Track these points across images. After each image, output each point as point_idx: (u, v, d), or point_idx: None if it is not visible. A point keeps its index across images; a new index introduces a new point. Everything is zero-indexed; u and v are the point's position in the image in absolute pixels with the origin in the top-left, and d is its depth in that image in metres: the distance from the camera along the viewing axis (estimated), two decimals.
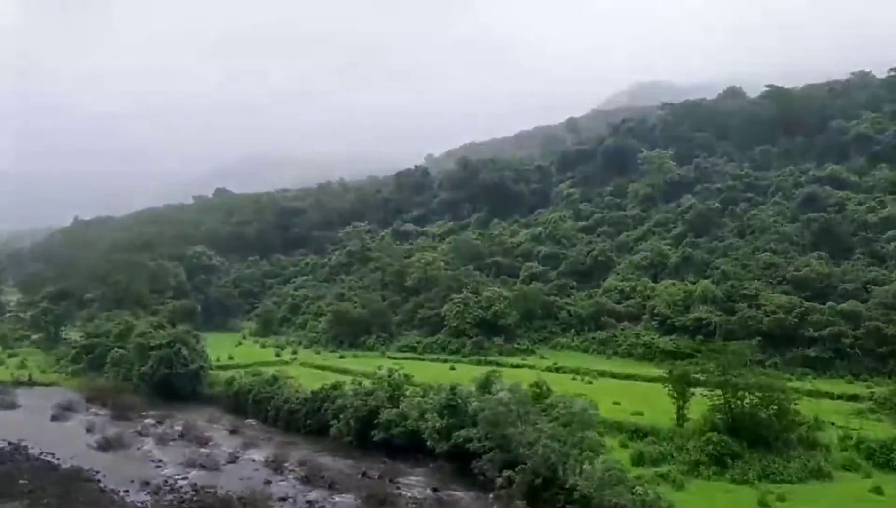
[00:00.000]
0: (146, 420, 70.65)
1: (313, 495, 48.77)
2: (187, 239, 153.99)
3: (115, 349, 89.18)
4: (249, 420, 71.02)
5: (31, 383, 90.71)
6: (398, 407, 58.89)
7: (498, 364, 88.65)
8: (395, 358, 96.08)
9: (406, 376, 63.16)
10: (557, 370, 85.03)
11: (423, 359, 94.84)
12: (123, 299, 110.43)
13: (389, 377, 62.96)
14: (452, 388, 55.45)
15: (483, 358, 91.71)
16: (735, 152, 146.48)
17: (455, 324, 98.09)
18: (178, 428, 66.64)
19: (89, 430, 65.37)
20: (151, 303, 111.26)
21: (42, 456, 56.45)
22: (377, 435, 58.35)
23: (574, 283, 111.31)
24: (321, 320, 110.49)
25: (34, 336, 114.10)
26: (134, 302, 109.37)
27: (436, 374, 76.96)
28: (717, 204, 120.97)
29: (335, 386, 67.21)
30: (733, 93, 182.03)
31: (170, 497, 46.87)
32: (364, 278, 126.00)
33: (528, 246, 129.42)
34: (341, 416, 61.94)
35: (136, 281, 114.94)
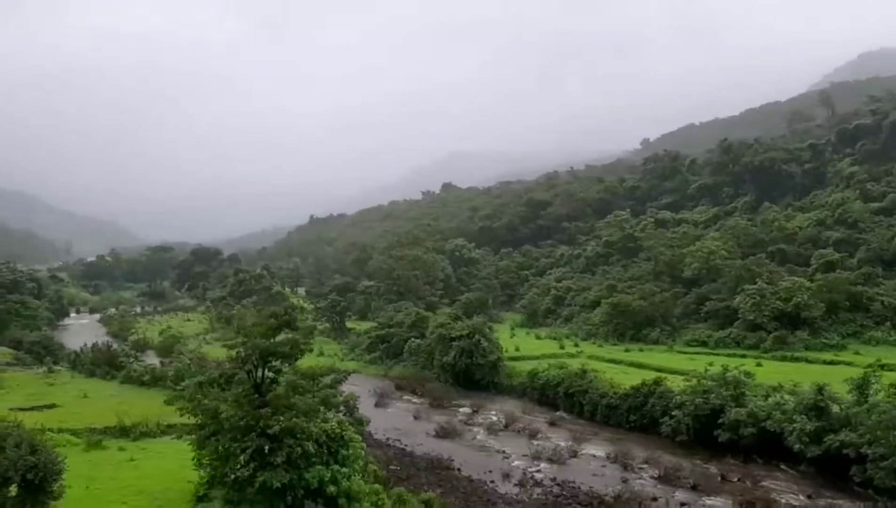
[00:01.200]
0: (461, 409, 71.61)
1: (680, 496, 45.89)
2: (443, 233, 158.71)
3: (411, 338, 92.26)
4: (560, 413, 69.69)
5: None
6: (744, 406, 54.58)
7: (807, 361, 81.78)
8: (684, 352, 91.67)
9: (747, 374, 58.40)
10: (883, 367, 76.12)
11: (717, 354, 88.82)
12: (405, 291, 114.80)
13: (725, 375, 58.53)
14: (820, 388, 50.21)
15: (789, 354, 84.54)
16: None
17: (752, 317, 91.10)
18: (496, 418, 66.78)
19: (416, 417, 67.21)
20: (426, 295, 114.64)
21: (389, 442, 58.38)
22: (723, 435, 54.44)
23: (880, 271, 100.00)
24: (595, 312, 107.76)
25: (320, 327, 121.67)
26: (413, 294, 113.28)
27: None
28: None
29: (657, 382, 64.00)
30: None
31: (537, 490, 46.02)
32: (630, 268, 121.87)
33: (811, 232, 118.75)
34: (673, 413, 58.66)
35: (415, 274, 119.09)
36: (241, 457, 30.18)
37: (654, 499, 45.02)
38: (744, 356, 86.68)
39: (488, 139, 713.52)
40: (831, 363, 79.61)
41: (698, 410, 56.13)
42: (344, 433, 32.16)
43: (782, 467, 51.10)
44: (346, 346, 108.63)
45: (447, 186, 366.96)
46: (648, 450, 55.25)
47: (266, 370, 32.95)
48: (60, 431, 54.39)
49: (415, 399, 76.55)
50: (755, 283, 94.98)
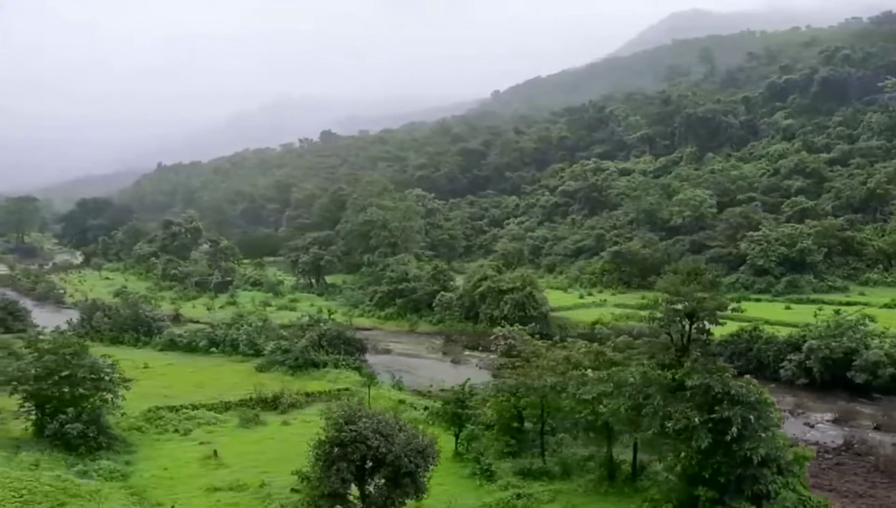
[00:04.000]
0: None
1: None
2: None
3: (438, 292, 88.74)
4: None
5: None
6: (869, 349, 56.80)
7: (823, 303, 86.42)
8: None
9: (867, 317, 60.68)
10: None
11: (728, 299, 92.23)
12: (400, 242, 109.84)
13: (838, 318, 60.58)
14: None
15: (804, 297, 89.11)
16: None
17: (761, 262, 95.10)
18: None
19: None
20: (416, 247, 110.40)
21: None
22: (858, 377, 56.35)
23: (856, 217, 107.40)
24: (593, 261, 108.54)
25: (299, 282, 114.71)
26: (410, 245, 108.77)
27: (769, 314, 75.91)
28: None
29: (756, 328, 65.35)
30: None
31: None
32: (598, 217, 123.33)
33: (768, 181, 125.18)
34: (791, 358, 60.05)
35: (409, 225, 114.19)
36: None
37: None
38: (758, 300, 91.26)
39: (316, 84, 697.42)
40: (848, 304, 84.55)
41: (833, 353, 57.60)
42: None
43: None
44: (342, 301, 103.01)
45: (327, 134, 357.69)
46: (778, 395, 56.23)
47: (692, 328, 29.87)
48: (183, 407, 47.60)
49: (483, 355, 73.56)
50: (758, 230, 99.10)
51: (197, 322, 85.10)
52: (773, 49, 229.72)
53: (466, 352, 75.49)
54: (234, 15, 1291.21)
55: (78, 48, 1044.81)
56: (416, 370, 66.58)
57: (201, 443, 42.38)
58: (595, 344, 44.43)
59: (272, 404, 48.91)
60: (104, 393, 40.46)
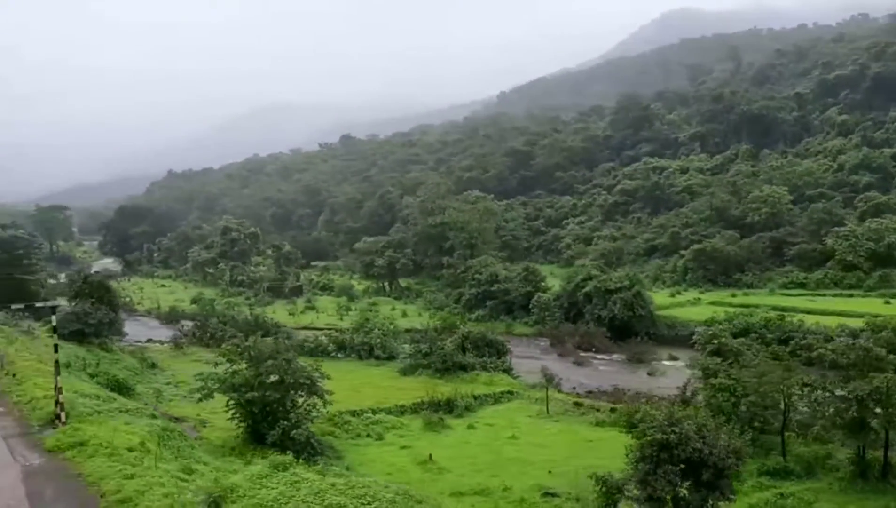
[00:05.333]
0: (663, 363, 69.71)
1: None
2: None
3: (533, 293, 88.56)
4: None
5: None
6: None
7: None
8: (788, 294, 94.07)
9: None
10: None
11: (822, 295, 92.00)
12: (479, 243, 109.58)
13: None
14: None
15: None
16: None
17: (850, 257, 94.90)
18: None
19: (651, 374, 64.77)
20: (493, 248, 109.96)
21: None
22: None
23: None
24: (671, 259, 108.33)
25: (371, 286, 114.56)
26: (489, 247, 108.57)
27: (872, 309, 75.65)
28: None
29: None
30: None
31: None
32: (661, 216, 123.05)
33: (833, 178, 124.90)
34: None
35: (487, 226, 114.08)
36: None
37: None
38: (850, 296, 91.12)
39: (302, 91, 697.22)
40: None
41: None
42: None
43: None
44: (422, 305, 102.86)
45: (346, 138, 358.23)
46: None
47: None
48: (363, 412, 47.40)
49: (602, 356, 73.47)
50: (842, 225, 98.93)
51: (315, 328, 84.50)
52: (803, 47, 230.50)
53: (581, 353, 75.21)
54: (221, 22, 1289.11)
55: (63, 53, 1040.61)
56: (535, 373, 66.18)
57: (402, 447, 42.14)
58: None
59: (446, 407, 48.62)
60: (316, 398, 40.24)
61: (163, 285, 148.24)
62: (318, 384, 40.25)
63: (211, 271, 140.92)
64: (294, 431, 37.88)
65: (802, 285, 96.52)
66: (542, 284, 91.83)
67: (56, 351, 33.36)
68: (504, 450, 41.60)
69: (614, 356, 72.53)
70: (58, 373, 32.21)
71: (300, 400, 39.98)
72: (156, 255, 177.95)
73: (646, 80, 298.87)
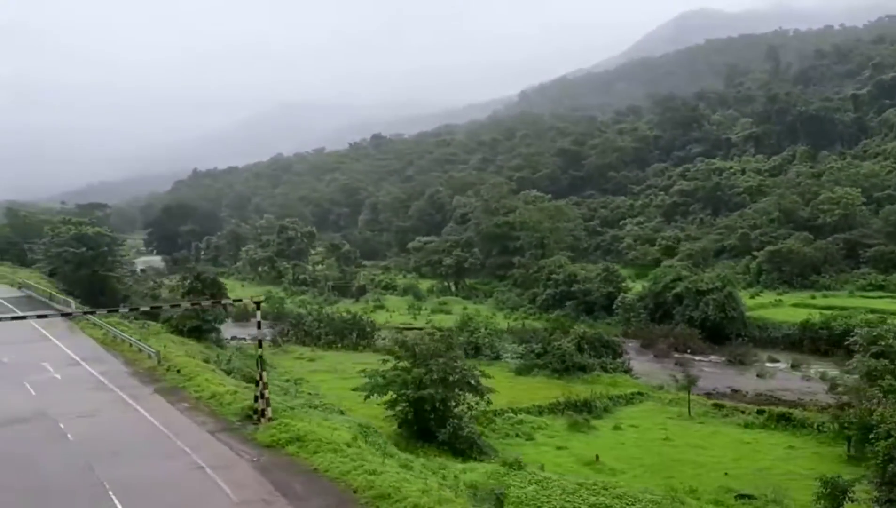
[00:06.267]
0: (766, 365, 69.05)
1: None
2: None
3: (618, 293, 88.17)
4: None
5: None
6: None
7: None
8: (867, 297, 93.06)
9: None
10: None
11: None
12: (551, 243, 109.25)
13: None
14: None
15: None
16: None
17: None
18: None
19: (760, 375, 64.18)
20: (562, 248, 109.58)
21: None
22: None
23: None
24: (744, 260, 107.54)
25: (436, 286, 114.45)
26: (561, 247, 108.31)
27: None
28: None
29: None
30: None
31: None
32: (744, 216, 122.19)
33: None
34: None
35: (560, 225, 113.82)
36: None
37: None
38: None
39: (317, 91, 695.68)
40: None
41: None
42: None
43: None
44: (493, 304, 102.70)
45: (377, 137, 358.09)
46: None
47: None
48: (503, 412, 47.23)
49: (700, 358, 72.80)
50: None
51: (395, 327, 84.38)
52: (843, 48, 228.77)
53: (675, 354, 74.63)
54: (245, 22, 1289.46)
55: (84, 53, 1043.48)
56: (647, 374, 65.82)
57: (558, 448, 41.96)
58: None
59: (584, 408, 48.40)
60: (476, 397, 40.19)
61: None
62: (482, 384, 40.23)
63: (265, 269, 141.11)
64: (467, 430, 37.88)
65: (881, 288, 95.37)
66: (623, 284, 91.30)
67: (260, 346, 33.49)
68: (664, 452, 41.33)
69: (711, 358, 71.84)
70: (263, 369, 32.27)
71: (462, 398, 39.95)
72: (203, 253, 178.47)
73: (672, 80, 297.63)
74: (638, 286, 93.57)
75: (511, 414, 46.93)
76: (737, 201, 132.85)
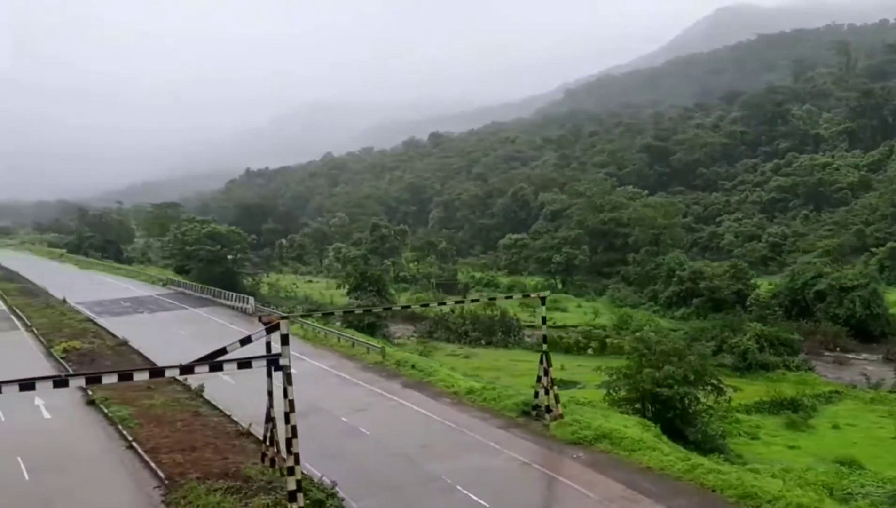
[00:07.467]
0: None
1: None
2: None
3: (754, 290, 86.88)
4: None
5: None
6: None
7: None
8: None
9: None
10: None
11: None
12: (663, 241, 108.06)
13: None
14: None
15: None
16: None
17: None
18: None
19: None
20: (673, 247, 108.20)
21: None
22: None
23: None
24: (862, 257, 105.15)
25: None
26: (675, 245, 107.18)
27: None
28: None
29: None
30: None
31: None
32: (854, 212, 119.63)
33: None
34: None
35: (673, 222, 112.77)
36: None
37: None
38: None
39: (348, 90, 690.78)
40: None
41: None
42: None
43: None
44: (608, 302, 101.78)
45: (436, 136, 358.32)
46: None
47: None
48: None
49: (852, 355, 71.20)
50: None
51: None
52: None
53: (826, 353, 73.18)
54: (265, 21, 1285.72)
55: (115, 55, 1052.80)
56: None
57: (790, 447, 41.25)
58: None
59: (788, 406, 47.58)
60: (715, 394, 39.73)
61: (310, 282, 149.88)
62: (717, 383, 39.73)
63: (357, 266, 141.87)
64: (711, 427, 37.46)
65: None
66: (752, 281, 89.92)
67: (545, 342, 33.51)
68: None
69: (864, 356, 70.26)
70: (549, 365, 32.24)
71: (703, 397, 39.49)
72: (286, 251, 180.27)
73: (724, 77, 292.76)
74: (764, 284, 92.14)
75: (723, 413, 46.21)
76: (838, 197, 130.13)
